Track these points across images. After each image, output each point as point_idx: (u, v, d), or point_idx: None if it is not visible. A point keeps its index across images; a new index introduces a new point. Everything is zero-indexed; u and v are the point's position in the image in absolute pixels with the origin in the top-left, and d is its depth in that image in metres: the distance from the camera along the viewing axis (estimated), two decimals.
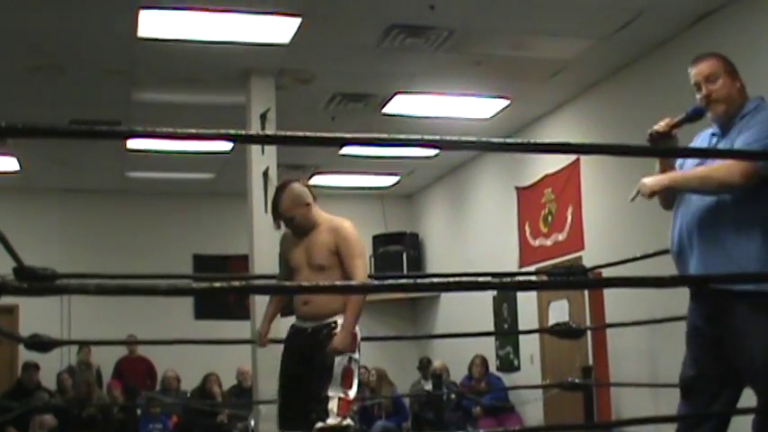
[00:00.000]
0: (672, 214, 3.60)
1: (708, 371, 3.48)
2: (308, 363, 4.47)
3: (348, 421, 4.42)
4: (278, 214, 4.60)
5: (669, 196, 3.57)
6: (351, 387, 4.42)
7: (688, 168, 3.55)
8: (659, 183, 3.44)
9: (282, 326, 5.27)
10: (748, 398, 3.59)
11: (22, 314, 11.39)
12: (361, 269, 4.46)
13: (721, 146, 3.49)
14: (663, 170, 3.57)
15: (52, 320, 10.85)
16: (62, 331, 10.92)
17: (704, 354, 3.50)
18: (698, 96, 3.52)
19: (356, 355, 4.50)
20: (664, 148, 3.40)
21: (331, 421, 4.32)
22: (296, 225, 4.60)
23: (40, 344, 5.07)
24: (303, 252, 4.56)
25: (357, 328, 4.52)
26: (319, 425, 4.33)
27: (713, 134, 3.60)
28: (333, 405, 4.34)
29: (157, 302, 10.71)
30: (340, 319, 4.49)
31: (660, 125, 3.53)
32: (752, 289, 3.30)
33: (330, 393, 4.35)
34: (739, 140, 3.41)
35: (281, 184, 4.71)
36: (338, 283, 4.26)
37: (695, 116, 3.53)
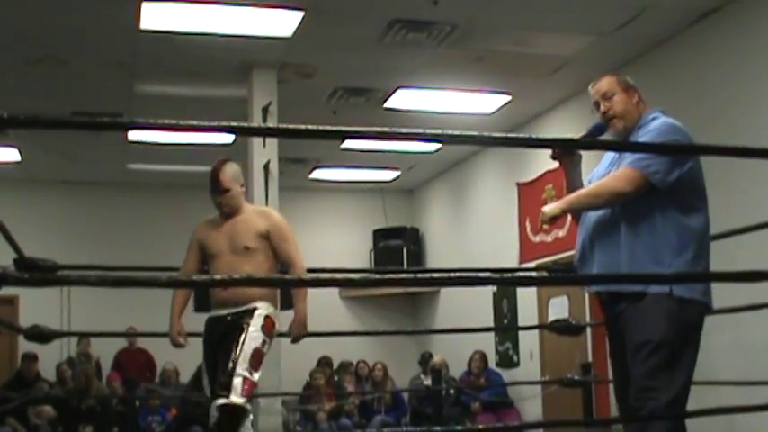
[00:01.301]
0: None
1: (626, 380, 3.41)
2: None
3: (248, 405, 4.33)
4: (217, 184, 4.62)
5: (578, 216, 3.66)
6: (257, 370, 4.36)
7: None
8: (555, 208, 3.50)
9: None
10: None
11: (22, 305, 11.42)
12: (299, 254, 4.59)
13: (622, 159, 3.54)
14: (569, 190, 3.65)
15: (52, 311, 10.85)
16: (62, 322, 10.93)
17: (618, 361, 3.49)
18: (597, 114, 3.61)
19: (270, 341, 4.49)
20: (662, 145, 3.41)
21: (235, 399, 4.23)
22: (227, 201, 4.64)
23: (40, 335, 5.06)
24: (225, 237, 4.60)
25: (276, 317, 4.52)
26: (222, 401, 4.23)
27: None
28: (238, 383, 4.25)
29: (158, 295, 10.67)
30: (259, 305, 4.48)
31: None
32: (639, 290, 3.32)
33: (238, 369, 4.27)
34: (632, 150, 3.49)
35: (222, 160, 4.77)
36: (338, 276, 4.25)
37: (596, 132, 3.61)
